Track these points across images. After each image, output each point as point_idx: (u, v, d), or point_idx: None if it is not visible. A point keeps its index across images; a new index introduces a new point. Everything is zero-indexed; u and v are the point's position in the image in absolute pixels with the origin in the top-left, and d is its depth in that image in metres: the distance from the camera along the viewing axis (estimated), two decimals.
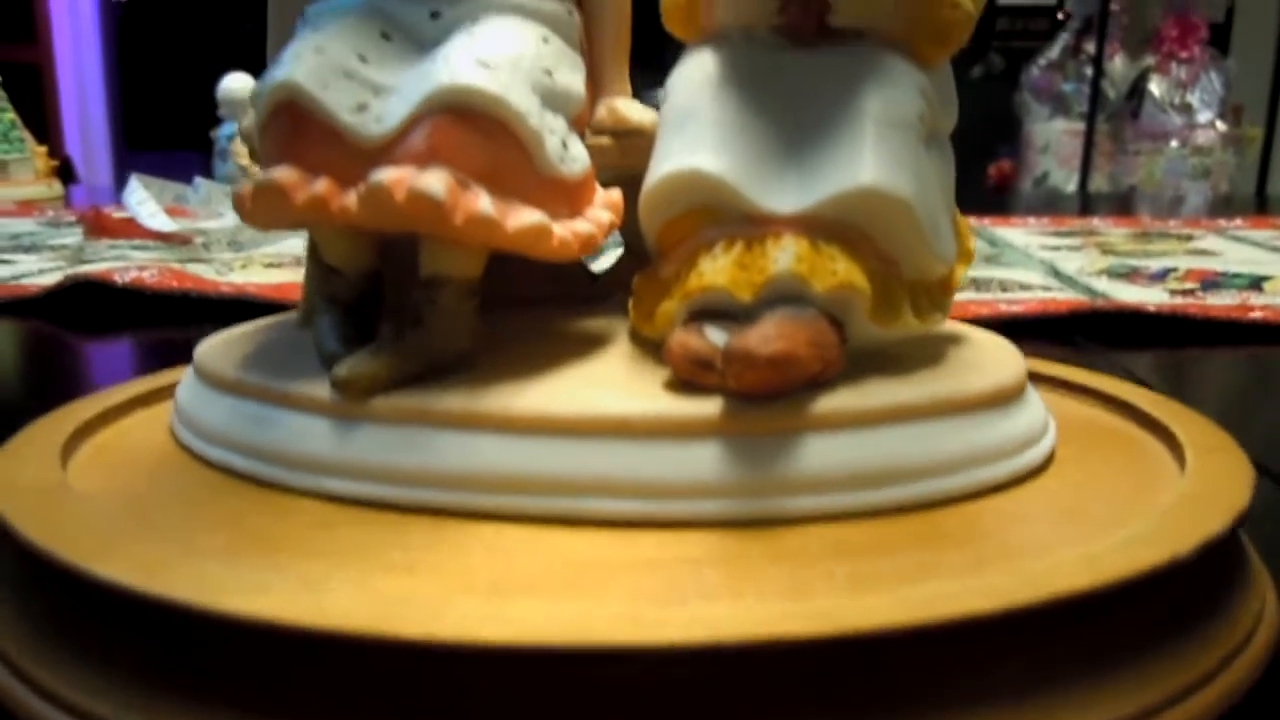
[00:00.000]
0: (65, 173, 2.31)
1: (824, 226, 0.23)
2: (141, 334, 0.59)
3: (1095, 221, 1.04)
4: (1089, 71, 2.42)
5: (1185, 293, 0.64)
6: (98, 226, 0.90)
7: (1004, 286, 0.66)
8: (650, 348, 0.26)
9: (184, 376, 0.28)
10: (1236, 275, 0.70)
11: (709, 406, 0.22)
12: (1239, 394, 0.49)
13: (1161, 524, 0.20)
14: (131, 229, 0.90)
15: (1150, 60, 2.43)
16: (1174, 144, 2.37)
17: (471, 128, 0.23)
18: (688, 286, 0.24)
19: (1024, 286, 0.66)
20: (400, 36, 0.26)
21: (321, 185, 0.23)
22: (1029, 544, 0.21)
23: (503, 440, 0.22)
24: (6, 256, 0.79)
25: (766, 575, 0.19)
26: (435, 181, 0.22)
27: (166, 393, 0.30)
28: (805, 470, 0.21)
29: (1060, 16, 2.67)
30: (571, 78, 0.26)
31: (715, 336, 0.23)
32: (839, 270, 0.23)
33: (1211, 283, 0.68)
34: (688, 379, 0.23)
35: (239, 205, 0.24)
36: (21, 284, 0.66)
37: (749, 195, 0.23)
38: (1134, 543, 0.19)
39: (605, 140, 0.28)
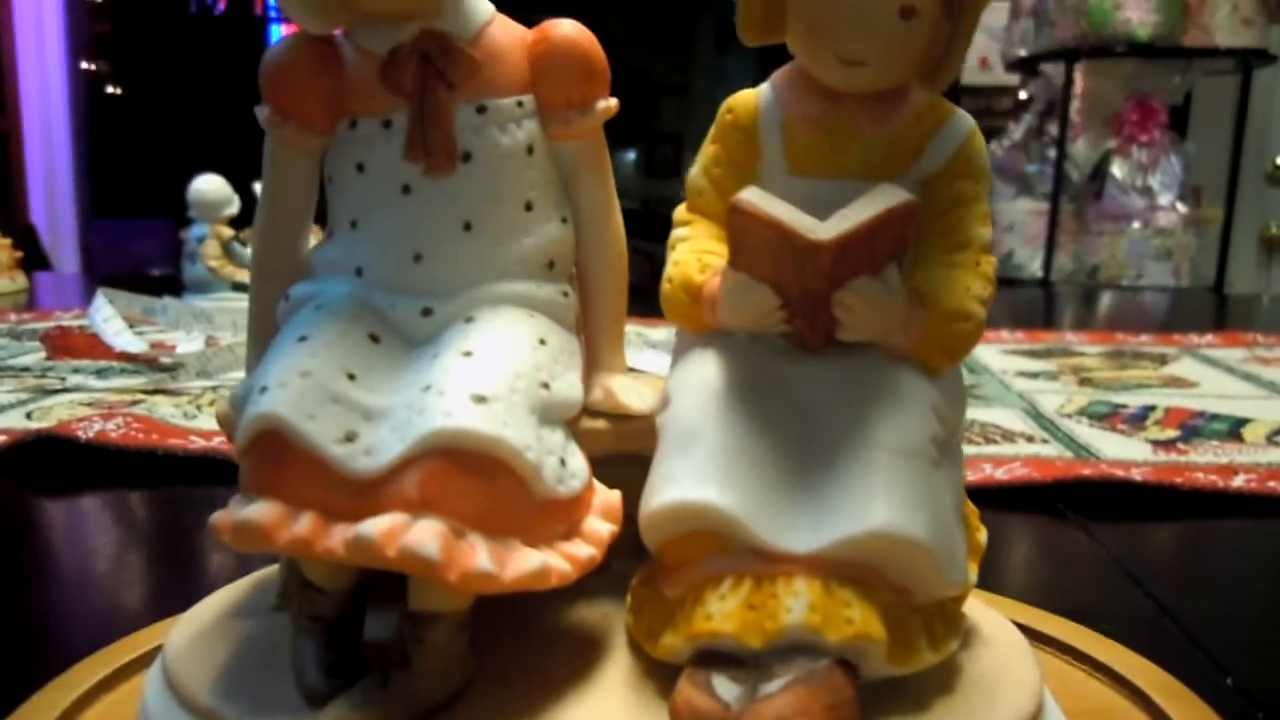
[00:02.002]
0: (29, 245, 2.28)
1: (836, 567, 0.22)
2: (105, 493, 0.57)
3: (1068, 336, 1.05)
4: (1052, 153, 2.47)
5: (1167, 444, 0.64)
6: (62, 347, 0.88)
7: (986, 435, 0.66)
8: (652, 669, 0.24)
9: (151, 674, 0.27)
10: (1215, 418, 0.70)
11: None
12: (1220, 582, 0.48)
13: None
14: (96, 349, 0.88)
15: (1112, 143, 2.48)
16: (1136, 225, 2.41)
17: (467, 472, 0.22)
18: (694, 628, 0.22)
19: (1005, 435, 0.66)
20: (390, 336, 0.25)
21: (305, 525, 0.22)
22: None
23: None
24: None
25: None
26: (429, 539, 0.21)
27: (132, 669, 0.29)
28: None
29: (1024, 96, 2.73)
30: (569, 380, 0.25)
31: (725, 691, 0.22)
32: (854, 618, 0.22)
33: (1192, 429, 0.68)
34: None
35: (218, 534, 0.23)
36: None
37: (758, 531, 0.22)
38: None
39: (601, 424, 0.27)
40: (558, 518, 0.23)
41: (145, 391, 0.76)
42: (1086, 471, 0.56)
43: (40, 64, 3.12)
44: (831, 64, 0.25)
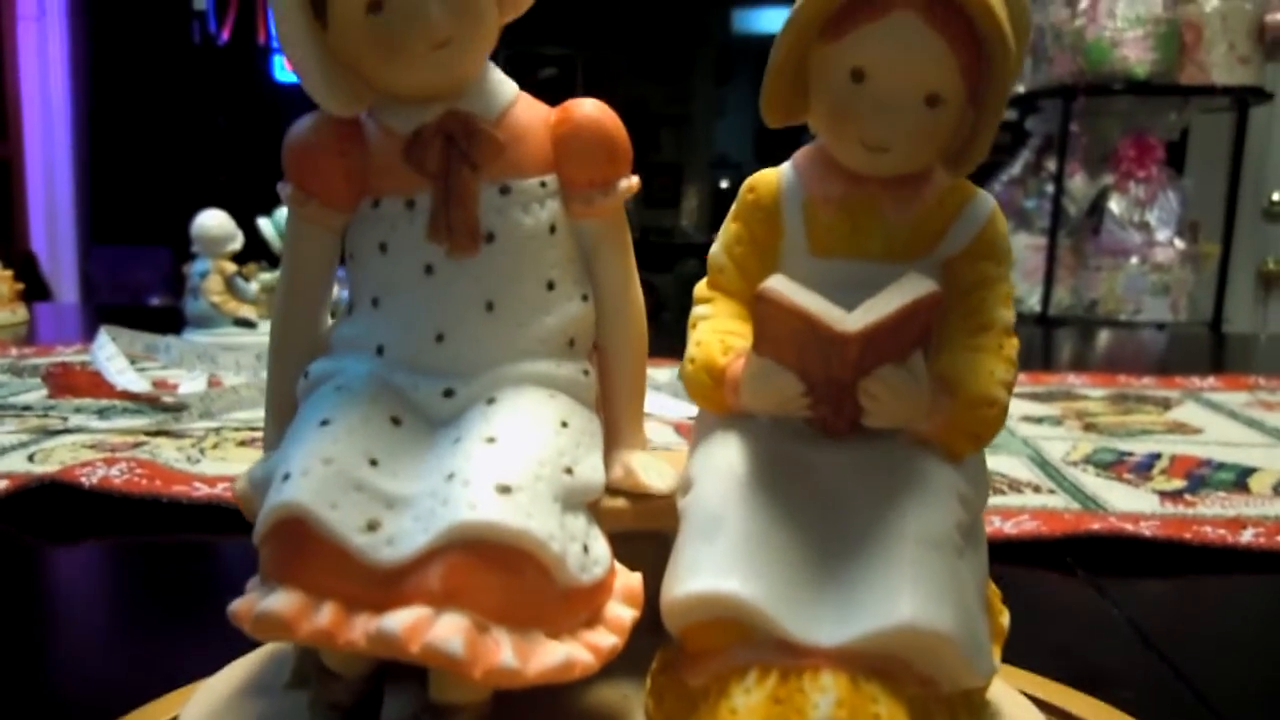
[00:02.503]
0: (29, 273, 2.28)
1: (863, 661, 0.22)
2: (108, 540, 0.57)
3: (1071, 379, 1.05)
4: (1050, 189, 2.48)
5: (1174, 495, 0.64)
6: (64, 386, 0.88)
7: (994, 485, 0.65)
8: None
9: None
10: (1222, 467, 0.70)
11: None
12: (1233, 644, 0.48)
13: None
14: (99, 388, 0.88)
15: (1109, 179, 2.50)
16: (1134, 261, 2.42)
17: (491, 565, 0.21)
18: None
19: (1013, 485, 0.66)
20: (411, 418, 0.25)
21: (326, 616, 0.21)
22: None
23: None
24: None
25: None
26: (453, 634, 0.20)
27: None
28: None
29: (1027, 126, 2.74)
30: (591, 463, 0.25)
31: None
32: (881, 714, 0.21)
33: (1198, 479, 0.68)
34: None
35: (238, 622, 0.22)
36: None
37: (783, 623, 0.22)
38: None
39: (621, 502, 0.27)
40: (580, 605, 0.23)
41: (148, 433, 0.76)
42: (1095, 526, 0.56)
43: (44, 91, 3.13)
44: (855, 148, 0.25)
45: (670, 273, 3.59)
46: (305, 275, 0.28)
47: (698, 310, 0.28)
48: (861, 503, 0.23)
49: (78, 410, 0.83)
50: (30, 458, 0.69)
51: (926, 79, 0.24)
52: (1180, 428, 0.84)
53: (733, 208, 0.28)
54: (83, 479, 0.60)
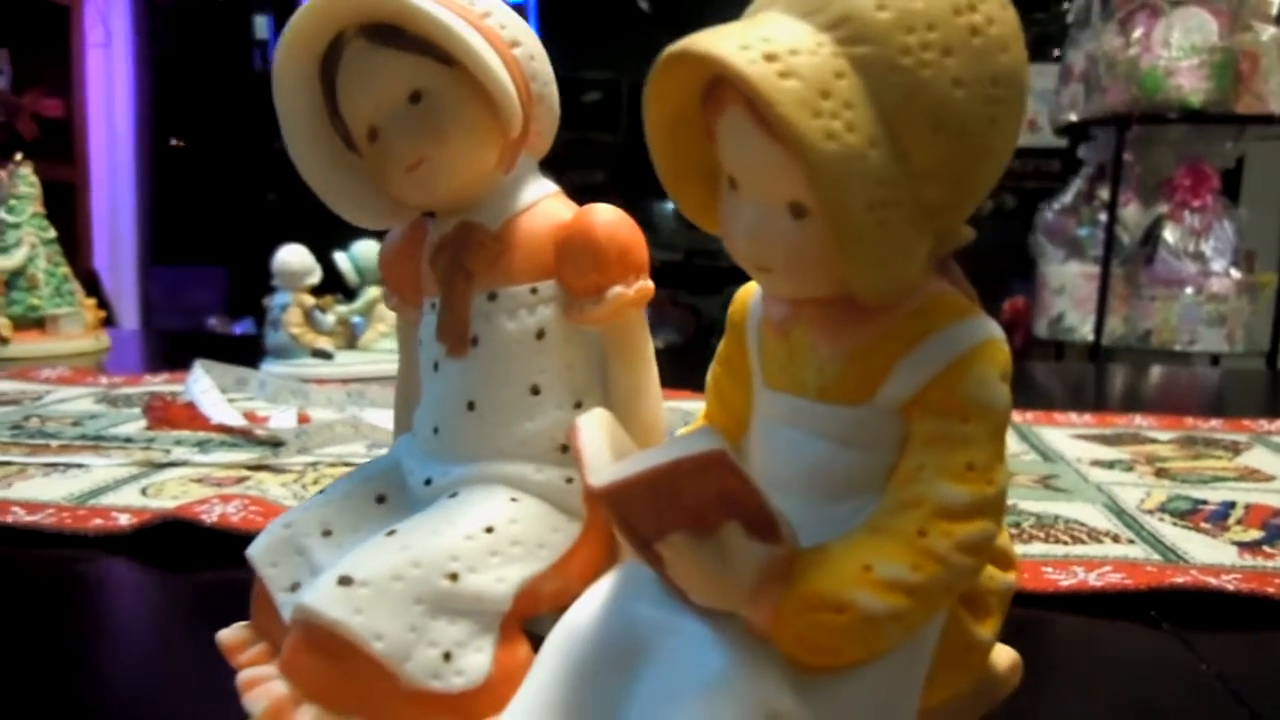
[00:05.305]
0: (93, 292, 2.35)
1: None
2: (226, 572, 0.60)
3: (1138, 420, 1.06)
4: (1103, 217, 2.47)
5: (1252, 547, 0.65)
6: (163, 419, 0.91)
7: (1073, 534, 0.67)
8: None
9: None
10: None
11: None
12: None
13: None
14: (196, 421, 0.92)
15: (1163, 208, 2.49)
16: (1189, 291, 2.41)
17: (315, 648, 0.24)
18: None
19: (1092, 534, 0.67)
20: (399, 498, 0.28)
21: (252, 655, 0.26)
22: None
23: None
24: (79, 460, 0.80)
25: None
26: (262, 699, 0.24)
27: None
28: None
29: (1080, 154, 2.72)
30: (503, 573, 0.26)
31: None
32: None
33: (1275, 529, 0.69)
34: None
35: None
36: (103, 508, 0.67)
37: None
38: None
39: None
40: (440, 711, 0.24)
41: (249, 467, 0.79)
42: (1180, 579, 0.57)
43: (109, 115, 3.22)
44: (750, 268, 0.21)
45: (719, 294, 3.60)
46: (408, 360, 0.31)
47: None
48: (656, 683, 0.20)
49: (177, 443, 0.87)
50: (143, 491, 0.72)
51: (777, 185, 0.19)
52: (1252, 474, 0.84)
53: None
54: (203, 516, 0.63)
